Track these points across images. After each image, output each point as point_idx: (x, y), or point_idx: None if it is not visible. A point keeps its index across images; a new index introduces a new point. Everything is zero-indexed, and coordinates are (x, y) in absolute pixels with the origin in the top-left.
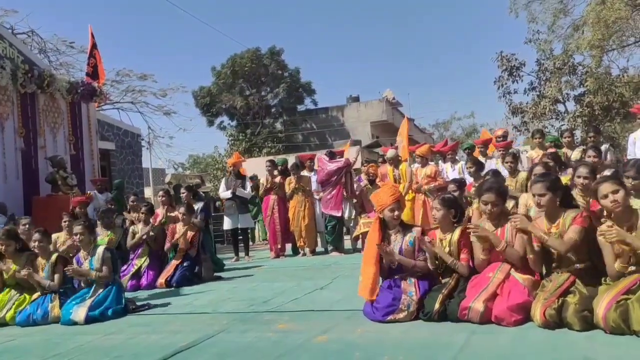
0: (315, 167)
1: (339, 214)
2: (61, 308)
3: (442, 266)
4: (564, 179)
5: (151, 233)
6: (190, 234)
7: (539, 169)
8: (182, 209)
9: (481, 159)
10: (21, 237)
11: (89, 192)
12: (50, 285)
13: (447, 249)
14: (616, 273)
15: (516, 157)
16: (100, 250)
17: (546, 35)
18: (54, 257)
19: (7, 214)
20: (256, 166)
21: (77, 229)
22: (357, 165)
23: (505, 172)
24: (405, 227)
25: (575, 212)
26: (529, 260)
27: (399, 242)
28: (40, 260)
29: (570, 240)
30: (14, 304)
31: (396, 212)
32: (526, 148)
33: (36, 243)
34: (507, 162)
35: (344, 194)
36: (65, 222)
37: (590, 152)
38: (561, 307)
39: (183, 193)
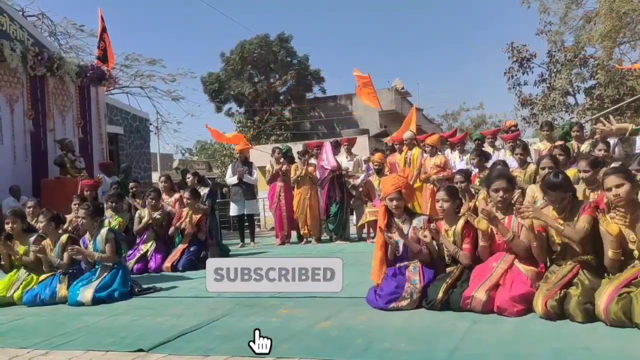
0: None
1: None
2: (68, 289)
3: (449, 257)
4: (572, 172)
5: (157, 216)
6: (195, 217)
7: (546, 162)
8: (187, 194)
9: (489, 149)
10: (27, 219)
11: (98, 175)
12: (60, 263)
13: (451, 240)
14: (610, 261)
15: (526, 149)
16: (103, 231)
17: (558, 26)
18: (64, 237)
19: (20, 198)
20: (264, 154)
21: (80, 212)
22: (366, 154)
23: (513, 164)
24: (412, 215)
25: (582, 203)
26: (532, 249)
27: (404, 229)
28: (48, 242)
29: (583, 229)
30: (22, 283)
31: (395, 202)
32: (535, 140)
33: (43, 224)
34: (517, 154)
35: (335, 197)
36: (75, 204)
37: (601, 146)
38: (563, 299)
39: (188, 178)
